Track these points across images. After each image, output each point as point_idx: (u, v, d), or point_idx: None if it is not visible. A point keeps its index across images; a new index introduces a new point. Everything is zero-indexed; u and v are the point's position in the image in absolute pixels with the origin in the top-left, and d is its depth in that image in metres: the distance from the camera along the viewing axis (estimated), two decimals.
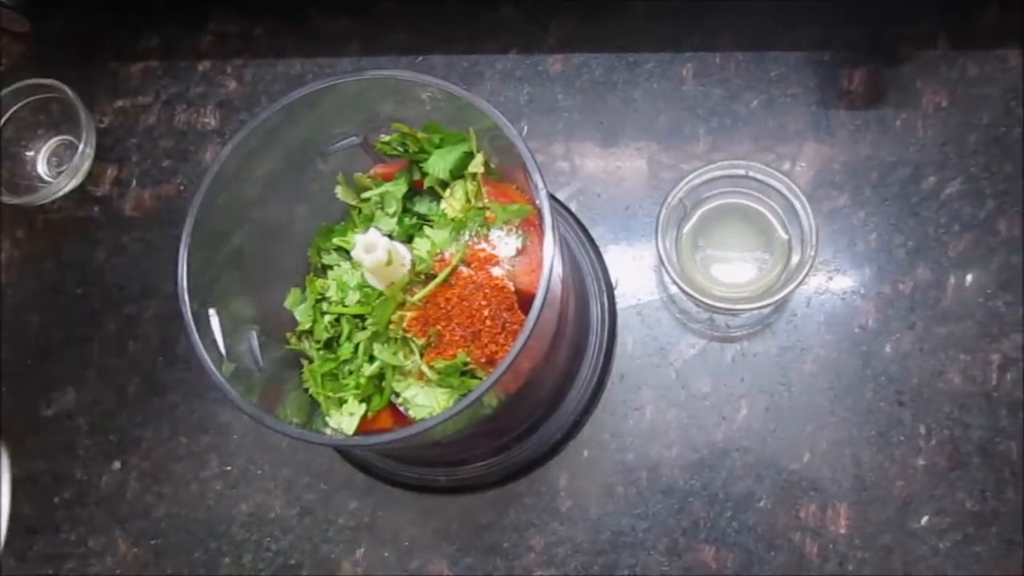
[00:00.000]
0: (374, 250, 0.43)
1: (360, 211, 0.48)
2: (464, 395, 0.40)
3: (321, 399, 0.46)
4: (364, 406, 0.45)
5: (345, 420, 0.45)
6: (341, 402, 0.45)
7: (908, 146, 0.54)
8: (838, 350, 0.52)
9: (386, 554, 0.53)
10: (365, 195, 0.48)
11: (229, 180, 0.42)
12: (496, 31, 0.60)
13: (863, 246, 0.53)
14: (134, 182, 0.62)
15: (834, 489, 0.50)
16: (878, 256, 0.53)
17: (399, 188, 0.47)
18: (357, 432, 0.44)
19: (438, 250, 0.45)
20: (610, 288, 0.54)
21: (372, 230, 0.44)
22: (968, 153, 0.53)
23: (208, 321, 0.42)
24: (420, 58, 0.60)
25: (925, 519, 0.49)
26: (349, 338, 0.46)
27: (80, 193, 0.62)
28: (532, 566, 0.51)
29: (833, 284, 0.53)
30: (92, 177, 0.62)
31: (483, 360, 0.43)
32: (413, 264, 0.45)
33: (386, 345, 0.45)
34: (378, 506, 0.53)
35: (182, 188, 0.61)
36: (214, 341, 0.41)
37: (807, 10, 0.57)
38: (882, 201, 0.53)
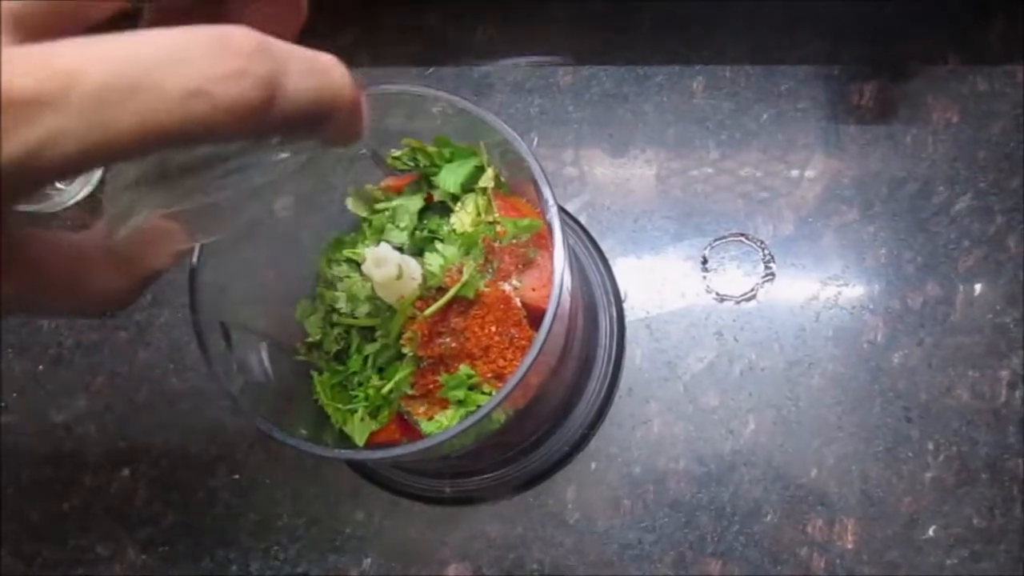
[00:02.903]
0: (385, 265, 0.43)
1: (371, 223, 0.49)
2: (472, 411, 0.41)
3: (330, 410, 0.46)
4: (373, 418, 0.45)
5: (355, 431, 0.45)
6: (350, 413, 0.46)
7: (918, 161, 0.54)
8: (846, 365, 0.52)
9: (393, 564, 0.53)
10: (379, 206, 0.48)
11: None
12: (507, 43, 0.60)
13: (872, 261, 0.53)
14: None
15: (841, 504, 0.50)
16: (887, 271, 0.53)
17: (413, 203, 0.47)
18: (366, 444, 0.45)
19: (450, 265, 0.45)
20: (619, 301, 0.54)
21: (383, 245, 0.44)
22: (978, 169, 0.53)
23: (219, 333, 0.42)
24: (431, 69, 0.60)
25: (932, 535, 0.49)
26: (359, 350, 0.46)
27: (92, 200, 0.62)
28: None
29: (842, 298, 0.53)
30: (103, 184, 0.62)
31: (490, 375, 0.43)
32: (424, 278, 0.45)
33: (396, 363, 0.45)
34: (384, 516, 0.53)
35: None
36: (225, 352, 0.42)
37: (817, 24, 0.57)
38: (892, 216, 0.53)
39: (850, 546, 0.49)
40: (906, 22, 0.56)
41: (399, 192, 0.48)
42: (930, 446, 0.50)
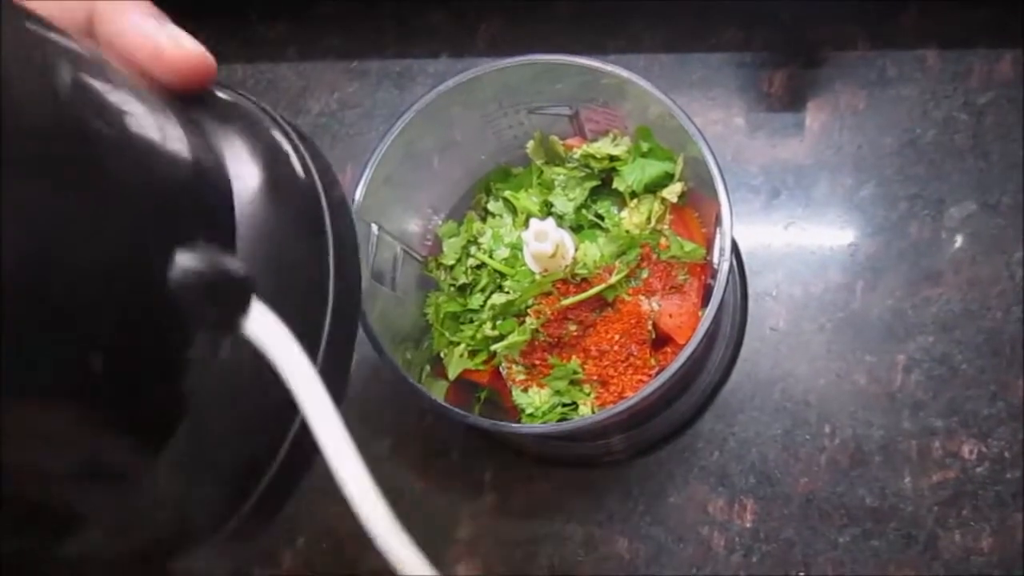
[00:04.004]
0: (544, 240, 0.44)
1: (542, 172, 0.49)
2: (566, 408, 0.45)
3: (435, 334, 0.48)
4: (470, 357, 0.47)
5: (451, 363, 0.47)
6: (452, 345, 0.48)
7: (825, 149, 0.55)
8: (748, 350, 0.53)
9: (324, 546, 0.56)
10: (569, 164, 0.48)
11: (429, 118, 0.44)
12: (427, 35, 0.61)
13: (776, 248, 0.54)
14: None
15: (741, 484, 0.52)
16: (790, 258, 0.54)
17: (589, 182, 0.48)
18: (459, 377, 0.47)
19: (603, 264, 0.46)
20: (743, 328, 0.54)
21: (549, 220, 0.45)
22: (883, 155, 0.54)
23: (368, 233, 0.44)
24: (355, 63, 0.62)
25: (826, 514, 0.51)
26: (483, 291, 0.48)
27: None
28: (460, 557, 0.54)
29: (747, 286, 0.54)
30: None
31: (595, 378, 0.45)
32: (574, 262, 0.46)
33: (514, 320, 0.46)
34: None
35: None
36: (365, 251, 0.43)
37: (730, 10, 0.57)
38: (797, 204, 0.54)
39: (748, 524, 0.52)
40: (818, 7, 0.56)
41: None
42: (827, 429, 0.52)
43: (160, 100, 0.23)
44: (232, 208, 0.22)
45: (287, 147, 0.25)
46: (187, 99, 0.24)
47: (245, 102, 0.26)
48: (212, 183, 0.22)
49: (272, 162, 0.24)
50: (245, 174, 0.23)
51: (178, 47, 0.24)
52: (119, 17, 0.24)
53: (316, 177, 0.25)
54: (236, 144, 0.24)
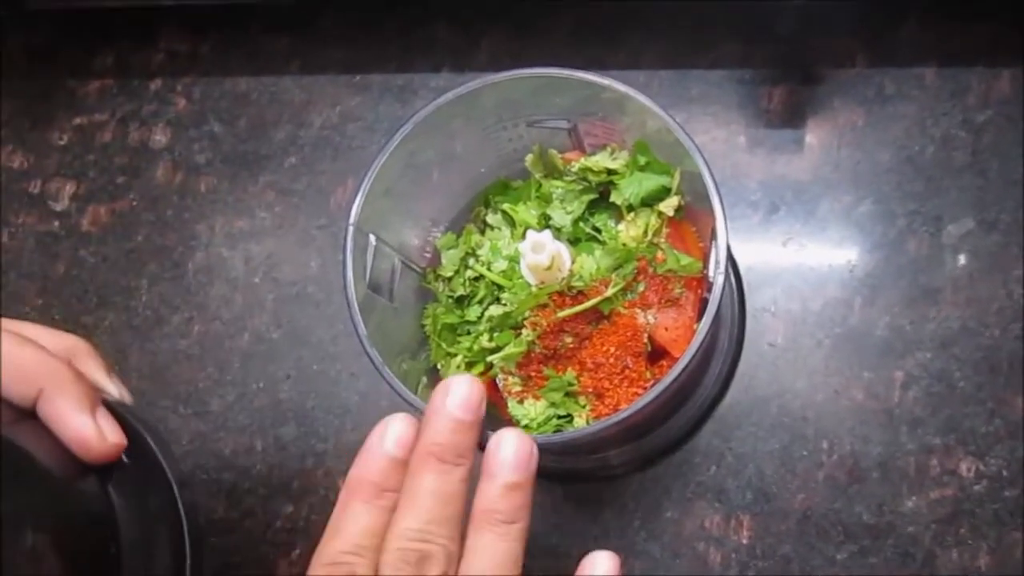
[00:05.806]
0: (540, 251, 0.44)
1: (541, 186, 0.49)
2: (561, 420, 0.45)
3: (433, 344, 0.48)
4: (467, 368, 0.47)
5: (447, 374, 0.47)
6: (449, 356, 0.48)
7: (823, 165, 0.55)
8: (746, 365, 0.53)
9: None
10: (567, 177, 0.49)
11: (430, 130, 0.44)
12: (429, 50, 0.61)
13: (775, 264, 0.54)
14: (92, 198, 0.64)
15: (738, 500, 0.52)
16: (789, 274, 0.54)
17: (587, 195, 0.48)
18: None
19: (600, 276, 0.46)
20: (741, 339, 0.54)
21: (546, 232, 0.45)
22: (881, 172, 0.54)
23: (366, 243, 0.44)
24: (357, 77, 0.62)
25: (823, 530, 0.51)
26: (480, 302, 0.48)
27: (42, 209, 0.65)
28: None
29: (745, 301, 0.54)
30: (53, 193, 0.65)
31: (591, 390, 0.45)
32: (570, 274, 0.46)
33: (511, 332, 0.46)
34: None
35: (135, 204, 0.63)
36: (363, 262, 0.43)
37: (730, 27, 0.58)
38: (795, 220, 0.55)
39: (745, 540, 0.51)
40: (818, 24, 0.56)
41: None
42: (824, 445, 0.52)
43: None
44: None
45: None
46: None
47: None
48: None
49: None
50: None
51: (102, 442, 0.31)
52: (59, 403, 0.31)
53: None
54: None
